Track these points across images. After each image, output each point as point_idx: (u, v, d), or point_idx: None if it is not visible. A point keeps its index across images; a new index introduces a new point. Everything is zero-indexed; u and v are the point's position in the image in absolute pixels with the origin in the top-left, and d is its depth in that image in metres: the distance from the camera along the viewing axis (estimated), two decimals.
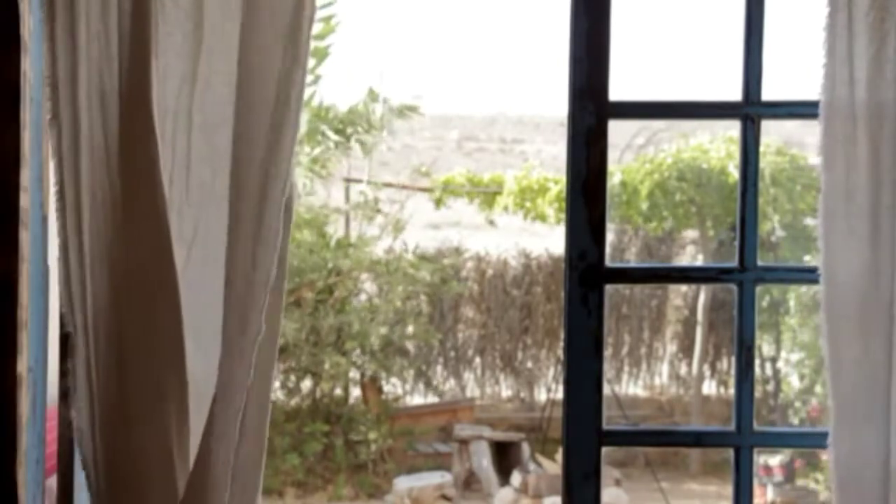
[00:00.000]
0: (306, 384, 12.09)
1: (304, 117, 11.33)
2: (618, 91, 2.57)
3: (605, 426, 2.58)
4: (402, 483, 10.87)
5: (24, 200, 2.33)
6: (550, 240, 13.69)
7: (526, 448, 11.71)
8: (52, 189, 2.35)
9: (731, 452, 2.61)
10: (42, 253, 2.43)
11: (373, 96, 12.03)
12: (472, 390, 13.83)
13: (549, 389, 13.15)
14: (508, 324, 13.78)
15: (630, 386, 14.10)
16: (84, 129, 2.30)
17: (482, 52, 27.35)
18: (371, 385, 12.41)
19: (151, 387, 2.29)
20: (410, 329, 12.58)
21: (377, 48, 22.29)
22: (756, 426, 2.59)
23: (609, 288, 2.59)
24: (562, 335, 2.64)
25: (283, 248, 2.39)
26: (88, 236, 2.31)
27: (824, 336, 2.43)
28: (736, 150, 9.42)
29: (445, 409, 12.85)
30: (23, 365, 2.33)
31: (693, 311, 13.58)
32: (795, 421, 11.66)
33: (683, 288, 13.76)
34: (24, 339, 2.34)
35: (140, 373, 2.30)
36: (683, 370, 13.95)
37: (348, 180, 13.01)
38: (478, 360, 13.92)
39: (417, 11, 29.05)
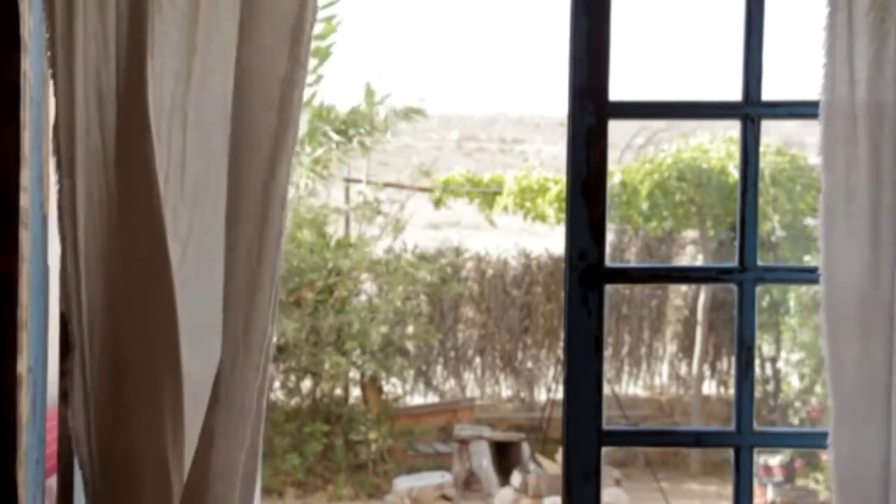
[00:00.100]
0: (306, 384, 12.09)
1: (305, 117, 11.34)
2: (618, 91, 2.57)
3: (605, 426, 2.58)
4: (402, 483, 10.88)
5: (24, 200, 2.33)
6: (550, 240, 13.69)
7: (526, 448, 11.71)
8: (53, 188, 2.35)
9: (731, 452, 2.61)
10: (42, 253, 2.43)
11: (371, 95, 12.03)
12: (472, 390, 13.83)
13: (549, 389, 13.15)
14: (508, 324, 13.78)
15: (630, 386, 14.10)
16: (80, 128, 2.30)
17: (482, 52, 27.35)
18: (371, 385, 12.41)
19: (146, 386, 2.29)
20: (410, 329, 12.58)
21: (377, 48, 22.30)
22: (756, 426, 2.59)
23: (609, 288, 2.59)
24: (562, 335, 2.64)
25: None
26: (84, 235, 2.31)
27: (824, 336, 2.43)
28: (736, 150, 9.42)
29: (445, 409, 12.85)
30: (23, 365, 2.32)
31: (693, 311, 13.58)
32: (795, 421, 11.66)
33: (683, 288, 13.76)
34: (24, 339, 2.34)
35: (135, 372, 2.30)
36: (683, 370, 13.96)
37: (348, 180, 13.01)
38: (478, 360, 13.92)
39: (417, 12, 29.05)
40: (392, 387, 13.05)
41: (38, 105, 2.39)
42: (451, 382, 13.85)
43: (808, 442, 2.91)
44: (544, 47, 25.56)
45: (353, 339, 11.82)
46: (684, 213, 12.45)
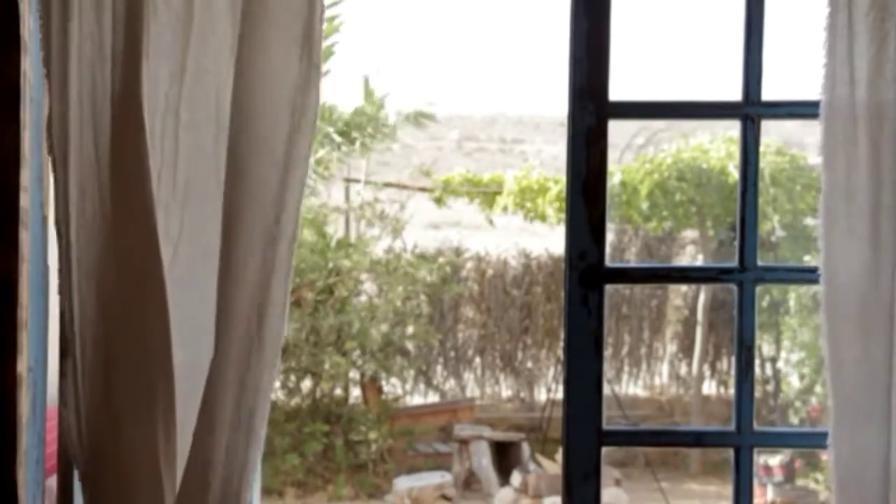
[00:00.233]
0: (306, 384, 12.09)
1: None
2: (618, 91, 2.57)
3: (605, 426, 2.58)
4: (402, 483, 10.87)
5: (24, 200, 2.33)
6: (550, 240, 13.69)
7: (526, 448, 11.71)
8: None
9: (731, 452, 2.61)
10: (42, 253, 2.43)
11: (370, 94, 12.02)
12: (472, 390, 13.83)
13: (549, 389, 13.15)
14: (508, 324, 13.78)
15: (630, 386, 14.09)
16: (74, 127, 2.30)
17: (482, 52, 27.35)
18: (371, 385, 12.41)
19: (139, 387, 2.29)
20: (410, 329, 12.58)
21: (377, 49, 22.30)
22: (756, 426, 2.59)
23: (609, 288, 2.59)
24: (562, 335, 2.64)
25: None
26: (76, 234, 2.31)
27: (824, 336, 2.43)
28: (736, 150, 9.42)
29: (445, 409, 12.85)
30: (23, 365, 2.33)
31: (693, 311, 13.58)
32: (795, 421, 11.66)
33: (683, 288, 13.76)
34: (24, 339, 2.34)
35: (127, 372, 2.29)
36: (683, 370, 13.95)
37: (348, 180, 13.01)
38: (478, 360, 13.92)
39: (417, 12, 29.05)
40: (392, 387, 13.05)
41: (38, 105, 2.39)
42: (451, 382, 13.85)
43: (808, 442, 2.91)
44: (544, 47, 25.57)
45: (353, 339, 11.81)
46: (684, 213, 12.45)
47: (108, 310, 2.31)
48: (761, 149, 2.63)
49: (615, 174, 12.21)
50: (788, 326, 11.94)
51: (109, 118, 2.31)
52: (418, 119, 12.14)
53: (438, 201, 13.55)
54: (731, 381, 8.54)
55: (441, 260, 12.86)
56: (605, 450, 2.59)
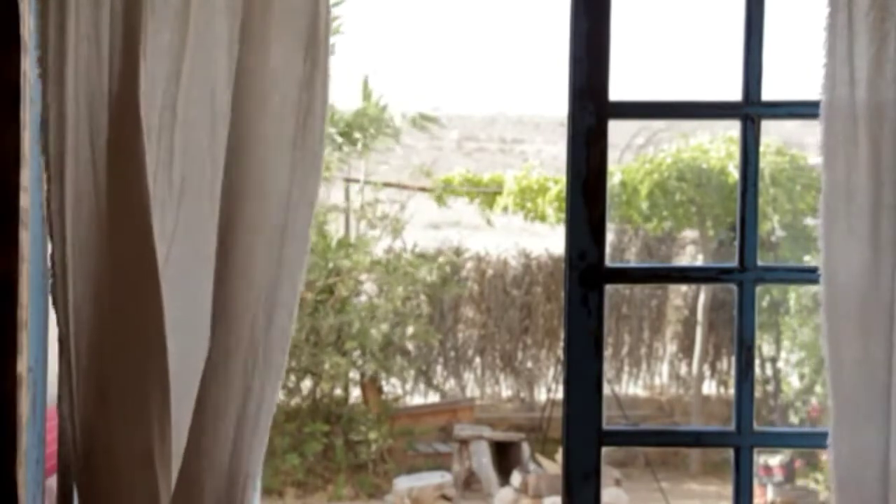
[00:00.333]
0: (306, 384, 12.08)
1: None
2: (618, 91, 2.57)
3: (605, 426, 2.58)
4: (402, 483, 10.87)
5: (24, 200, 2.33)
6: (550, 240, 13.69)
7: (526, 448, 11.70)
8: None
9: (731, 452, 2.61)
10: (42, 253, 2.43)
11: (368, 94, 12.02)
12: (472, 390, 13.83)
13: (549, 389, 13.14)
14: (508, 324, 13.78)
15: (630, 386, 14.09)
16: (70, 127, 2.29)
17: (482, 51, 27.35)
18: (371, 385, 12.41)
19: (134, 386, 2.28)
20: (410, 329, 12.57)
21: (377, 49, 22.29)
22: (756, 426, 2.59)
23: (609, 288, 2.59)
24: (562, 335, 2.64)
25: None
26: (71, 233, 2.30)
27: (824, 336, 2.43)
28: (736, 150, 9.41)
29: (445, 409, 12.84)
30: (23, 365, 2.33)
31: (693, 311, 13.58)
32: (795, 421, 11.66)
33: (683, 288, 13.76)
34: (24, 339, 2.34)
35: (122, 372, 2.29)
36: (683, 370, 13.95)
37: (348, 180, 13.00)
38: (478, 360, 13.92)
39: (417, 12, 29.05)
40: (392, 387, 13.05)
41: (39, 105, 2.39)
42: (451, 382, 13.85)
43: (808, 442, 2.91)
44: (544, 47, 25.56)
45: (353, 339, 11.81)
46: (684, 213, 12.44)
47: (103, 309, 2.31)
48: (761, 149, 2.63)
49: (615, 174, 12.20)
50: (788, 326, 11.94)
51: (106, 117, 2.31)
52: (421, 122, 12.14)
53: (438, 201, 13.55)
54: (731, 381, 8.54)
55: (441, 260, 12.86)
56: (605, 450, 2.59)
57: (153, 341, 2.27)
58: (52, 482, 2.50)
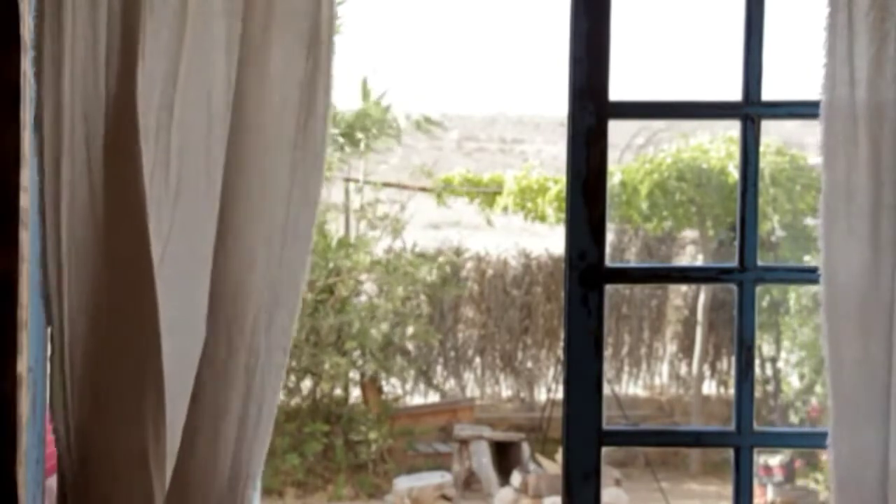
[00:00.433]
0: (306, 384, 12.08)
1: None
2: (618, 91, 2.57)
3: (605, 426, 2.58)
4: (402, 483, 10.87)
5: (24, 200, 2.33)
6: (550, 240, 13.69)
7: (526, 448, 11.70)
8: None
9: (731, 452, 2.61)
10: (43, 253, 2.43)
11: (367, 94, 12.02)
12: (472, 390, 13.83)
13: (549, 389, 13.14)
14: (508, 324, 13.78)
15: (630, 386, 14.09)
16: (66, 127, 2.29)
17: (482, 52, 27.34)
18: (371, 385, 12.41)
19: (127, 384, 2.28)
20: (410, 329, 12.57)
21: (377, 49, 22.29)
22: (756, 426, 2.59)
23: (609, 288, 2.59)
24: (562, 335, 2.64)
25: None
26: (67, 232, 2.30)
27: (824, 336, 2.43)
28: (736, 150, 9.41)
29: (445, 409, 12.84)
30: (23, 365, 2.32)
31: (693, 311, 13.58)
32: (795, 421, 11.66)
33: (683, 288, 13.76)
34: (24, 339, 2.34)
35: (116, 372, 2.29)
36: (683, 370, 13.95)
37: (348, 180, 13.00)
38: (478, 360, 13.92)
39: (417, 12, 29.05)
40: (392, 387, 13.05)
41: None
42: (451, 382, 13.85)
43: (807, 442, 2.91)
44: (544, 47, 25.56)
45: (353, 339, 11.81)
46: (684, 213, 12.44)
47: (97, 309, 2.30)
48: (761, 149, 2.63)
49: (615, 174, 12.20)
50: (788, 326, 11.94)
51: (103, 117, 2.30)
52: (426, 125, 12.15)
53: (438, 201, 13.55)
54: (731, 381, 8.54)
55: (441, 260, 12.87)
56: (605, 450, 2.59)
57: (148, 341, 2.27)
58: (52, 482, 2.50)
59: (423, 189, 13.69)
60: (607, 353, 8.36)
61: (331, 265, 11.77)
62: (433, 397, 13.59)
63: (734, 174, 11.61)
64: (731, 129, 12.11)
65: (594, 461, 2.57)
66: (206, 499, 2.33)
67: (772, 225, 12.11)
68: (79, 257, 2.31)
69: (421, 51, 28.66)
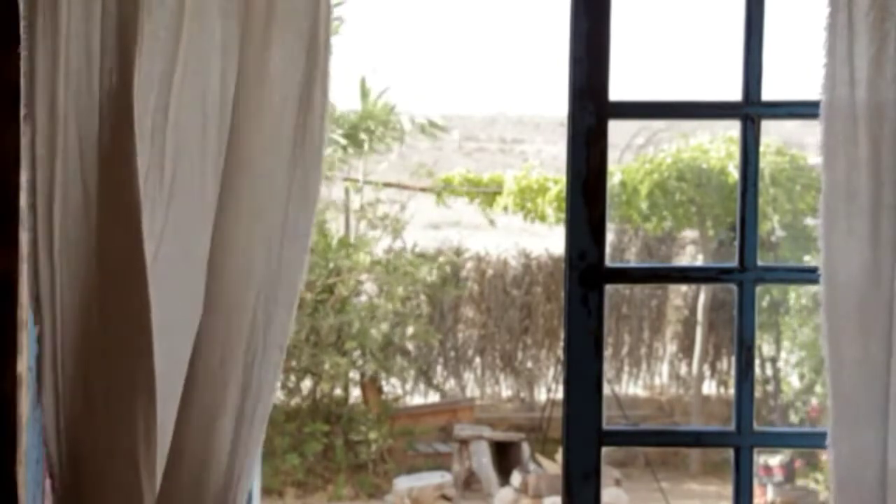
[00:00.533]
0: (306, 384, 12.08)
1: None
2: (618, 91, 2.57)
3: (605, 426, 2.58)
4: (402, 483, 10.87)
5: (24, 200, 2.33)
6: (550, 240, 13.68)
7: (526, 448, 11.70)
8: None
9: (731, 452, 2.61)
10: None
11: (366, 93, 12.02)
12: (472, 390, 13.83)
13: (549, 389, 13.14)
14: (508, 324, 13.78)
15: (630, 386, 14.08)
16: (60, 126, 2.29)
17: (482, 52, 27.34)
18: (371, 385, 12.40)
19: (119, 384, 2.28)
20: (410, 329, 12.57)
21: (377, 48, 22.30)
22: (756, 426, 2.59)
23: (609, 288, 2.59)
24: (562, 335, 2.64)
25: None
26: (59, 231, 2.29)
27: (824, 336, 2.43)
28: (736, 150, 9.39)
29: (445, 409, 12.84)
30: (23, 365, 2.33)
31: (693, 311, 13.58)
32: (795, 421, 11.66)
33: (683, 288, 13.75)
34: (24, 339, 2.34)
35: (107, 370, 2.28)
36: (683, 370, 13.95)
37: (348, 180, 13.00)
38: (478, 360, 13.92)
39: (417, 12, 29.05)
40: (392, 387, 13.05)
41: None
42: (451, 382, 13.85)
43: (807, 442, 2.91)
44: (544, 47, 25.55)
45: (353, 339, 11.81)
46: (684, 213, 12.44)
47: (90, 309, 2.30)
48: (761, 149, 2.63)
49: (615, 174, 12.20)
50: (788, 326, 11.94)
51: (97, 117, 2.29)
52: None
53: (438, 200, 13.55)
54: (731, 381, 8.53)
55: (441, 260, 12.87)
56: (605, 450, 2.59)
57: (140, 341, 2.26)
58: None
59: (424, 189, 13.69)
60: (607, 353, 8.36)
61: (331, 265, 11.77)
62: (433, 397, 13.59)
63: (734, 174, 11.60)
64: (731, 129, 12.11)
65: (594, 461, 2.57)
66: (199, 498, 2.32)
67: (772, 225, 12.11)
68: (71, 257, 2.30)
69: (421, 51, 28.65)
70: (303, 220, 2.35)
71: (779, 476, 10.97)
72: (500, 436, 11.89)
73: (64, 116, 2.29)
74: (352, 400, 12.40)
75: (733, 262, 2.61)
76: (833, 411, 2.42)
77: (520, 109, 22.36)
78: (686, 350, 13.85)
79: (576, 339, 2.57)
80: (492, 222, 13.82)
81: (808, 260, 10.88)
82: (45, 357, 2.29)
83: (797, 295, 11.49)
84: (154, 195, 2.30)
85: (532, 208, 13.05)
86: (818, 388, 11.36)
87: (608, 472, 10.36)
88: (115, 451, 2.27)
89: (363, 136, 11.85)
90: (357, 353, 12.03)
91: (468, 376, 13.91)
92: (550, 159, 18.07)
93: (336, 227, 12.57)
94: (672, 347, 14.15)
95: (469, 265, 13.69)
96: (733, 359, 2.71)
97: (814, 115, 2.44)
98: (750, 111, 2.57)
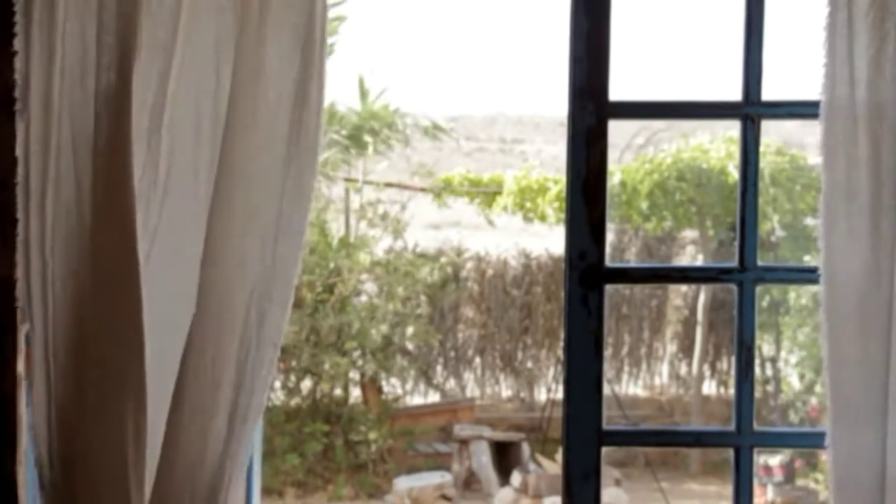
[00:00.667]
0: (306, 384, 12.08)
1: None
2: (618, 91, 2.57)
3: (605, 426, 2.58)
4: (402, 483, 10.87)
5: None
6: (550, 240, 13.68)
7: (526, 448, 11.70)
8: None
9: (731, 452, 2.61)
10: None
11: (365, 93, 12.02)
12: (472, 390, 13.82)
13: (549, 389, 13.14)
14: (508, 324, 13.77)
15: (630, 386, 14.08)
16: (54, 123, 2.28)
17: (482, 52, 27.34)
18: (371, 385, 12.40)
19: (110, 383, 2.27)
20: (410, 329, 12.57)
21: (376, 48, 22.30)
22: (756, 426, 2.59)
23: (609, 288, 2.59)
24: (562, 335, 2.63)
25: None
26: (51, 231, 2.29)
27: (824, 336, 2.43)
28: (736, 150, 9.39)
29: (445, 409, 12.84)
30: (23, 365, 2.32)
31: (693, 311, 13.57)
32: (795, 421, 11.65)
33: (683, 288, 13.75)
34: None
35: (98, 369, 2.28)
36: (683, 370, 13.94)
37: (348, 180, 13.00)
38: (478, 360, 13.91)
39: (417, 12, 29.05)
40: (392, 387, 13.04)
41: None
42: (451, 382, 13.85)
43: (807, 442, 2.91)
44: (544, 47, 25.55)
45: (353, 340, 11.81)
46: (684, 213, 12.43)
47: (82, 307, 2.29)
48: (761, 149, 2.63)
49: (615, 174, 12.20)
50: (788, 326, 11.93)
51: (93, 114, 2.29)
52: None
53: (438, 200, 13.55)
54: (731, 381, 8.53)
55: (442, 260, 12.87)
56: (605, 450, 2.59)
57: (132, 340, 2.26)
58: None
59: (424, 189, 13.69)
60: (607, 353, 8.36)
61: (331, 265, 11.77)
62: (433, 397, 13.59)
63: (734, 174, 11.60)
64: (731, 129, 12.10)
65: (594, 461, 2.57)
66: (192, 495, 2.32)
67: (772, 225, 12.11)
68: (64, 254, 2.29)
69: (421, 51, 28.65)
70: (297, 217, 2.35)
71: (779, 476, 10.97)
72: (500, 436, 11.89)
73: (58, 112, 2.28)
74: (352, 400, 12.40)
75: (733, 262, 2.61)
76: (832, 411, 2.42)
77: (520, 109, 22.38)
78: (686, 350, 13.85)
79: (576, 339, 2.57)
80: (492, 222, 13.82)
81: (808, 260, 10.88)
82: (36, 355, 2.29)
83: (797, 295, 11.49)
84: (148, 193, 2.30)
85: (532, 208, 13.05)
86: (818, 388, 11.36)
87: (608, 472, 10.36)
88: (105, 451, 2.26)
89: (367, 137, 11.85)
90: (357, 353, 12.03)
91: (468, 376, 13.91)
92: (550, 159, 18.08)
93: (336, 227, 12.56)
94: (672, 347, 14.14)
95: (469, 265, 13.69)
96: (733, 359, 2.71)
97: (814, 115, 2.44)
98: (750, 111, 2.57)
